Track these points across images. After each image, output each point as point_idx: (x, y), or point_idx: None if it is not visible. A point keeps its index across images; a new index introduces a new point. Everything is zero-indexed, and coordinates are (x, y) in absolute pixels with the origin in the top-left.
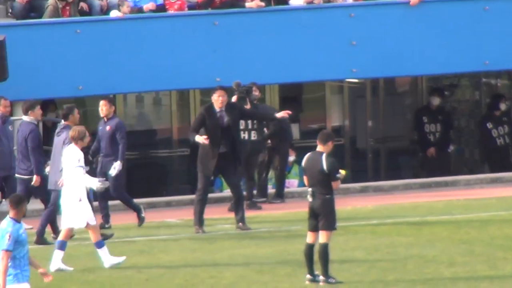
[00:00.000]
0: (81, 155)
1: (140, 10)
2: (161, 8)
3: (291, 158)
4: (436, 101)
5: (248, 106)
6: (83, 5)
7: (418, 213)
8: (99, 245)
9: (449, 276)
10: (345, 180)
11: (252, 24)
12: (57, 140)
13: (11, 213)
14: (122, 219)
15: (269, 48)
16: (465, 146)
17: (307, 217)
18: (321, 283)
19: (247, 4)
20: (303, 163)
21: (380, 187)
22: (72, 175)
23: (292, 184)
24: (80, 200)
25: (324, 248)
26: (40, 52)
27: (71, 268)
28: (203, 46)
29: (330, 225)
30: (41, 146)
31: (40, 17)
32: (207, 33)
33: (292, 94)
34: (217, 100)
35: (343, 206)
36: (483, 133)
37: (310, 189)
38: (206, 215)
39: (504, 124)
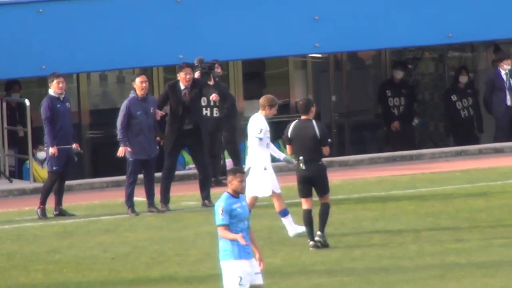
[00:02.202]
0: (264, 125)
1: None
2: None
3: None
4: (399, 74)
5: (211, 83)
6: None
7: (383, 188)
8: (284, 213)
9: (415, 250)
10: None
11: (215, 1)
12: None
13: (228, 187)
14: (86, 198)
15: (231, 24)
16: (430, 120)
17: (299, 184)
18: (316, 238)
19: None
20: (289, 132)
21: (345, 161)
22: (253, 143)
23: None
24: (265, 169)
25: (327, 207)
26: (2, 32)
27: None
28: (166, 23)
29: (328, 188)
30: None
31: None
32: (170, 10)
33: (255, 70)
34: (184, 77)
35: None
36: (447, 105)
37: (301, 157)
38: (171, 193)
39: (468, 96)
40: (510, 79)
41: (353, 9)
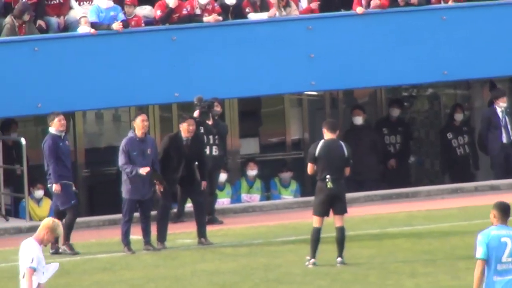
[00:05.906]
0: None
1: (103, 26)
2: (125, 24)
3: (253, 172)
4: (395, 112)
5: (210, 122)
6: (40, 23)
7: (380, 225)
8: None
9: (411, 287)
10: (305, 194)
11: (210, 39)
12: None
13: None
14: (83, 237)
15: (227, 62)
16: (425, 157)
17: (321, 202)
18: (338, 265)
19: (205, 19)
20: (316, 151)
21: None
22: None
23: (254, 198)
24: None
25: (344, 231)
26: None
27: None
28: (162, 62)
29: (346, 208)
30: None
31: None
32: (166, 48)
33: (251, 108)
34: (187, 129)
35: (304, 219)
36: (443, 143)
37: (328, 176)
38: (167, 231)
39: (464, 134)
40: (506, 117)
41: (349, 47)
